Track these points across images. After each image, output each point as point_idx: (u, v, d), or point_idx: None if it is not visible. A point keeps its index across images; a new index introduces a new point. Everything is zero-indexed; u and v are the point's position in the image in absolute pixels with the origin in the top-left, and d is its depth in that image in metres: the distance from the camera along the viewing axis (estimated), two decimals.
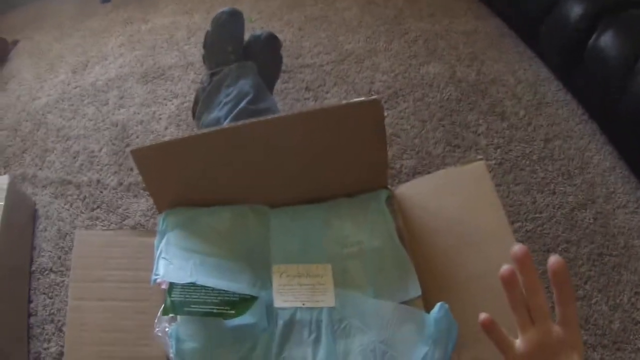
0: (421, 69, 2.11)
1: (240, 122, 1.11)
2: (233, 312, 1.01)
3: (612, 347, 1.45)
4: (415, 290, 1.07)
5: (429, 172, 1.74)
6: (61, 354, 1.51)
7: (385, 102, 1.98)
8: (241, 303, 1.03)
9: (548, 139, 1.86)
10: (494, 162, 1.79)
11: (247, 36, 1.85)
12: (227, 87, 1.58)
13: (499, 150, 1.82)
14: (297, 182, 1.18)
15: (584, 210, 1.68)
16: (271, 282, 1.09)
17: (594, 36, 1.75)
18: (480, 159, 1.13)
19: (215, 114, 1.54)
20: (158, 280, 1.06)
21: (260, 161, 1.13)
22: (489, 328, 0.68)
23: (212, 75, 1.66)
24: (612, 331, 1.47)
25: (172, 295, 1.04)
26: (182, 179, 1.16)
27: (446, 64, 2.12)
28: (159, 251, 1.11)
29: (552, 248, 1.60)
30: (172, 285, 1.05)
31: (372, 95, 1.98)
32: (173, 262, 1.07)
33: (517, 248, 0.66)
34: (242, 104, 1.49)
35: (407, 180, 1.67)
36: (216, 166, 1.14)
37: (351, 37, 2.27)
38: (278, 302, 1.06)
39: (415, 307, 1.06)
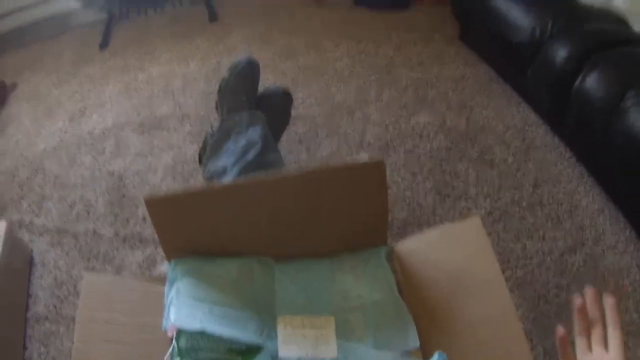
0: (412, 119, 2.15)
1: (249, 179, 1.17)
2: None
3: None
4: (414, 341, 1.11)
5: (419, 224, 1.79)
6: None
7: (377, 153, 2.01)
8: (248, 352, 1.08)
9: (537, 184, 1.89)
10: (483, 211, 1.81)
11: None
12: (236, 134, 1.60)
13: (488, 199, 1.85)
14: (301, 237, 1.23)
15: (573, 254, 1.69)
16: (276, 332, 1.13)
17: (579, 77, 1.77)
18: (476, 215, 1.20)
19: (223, 161, 1.57)
20: (169, 326, 1.10)
21: (267, 216, 1.18)
22: (563, 342, 0.80)
23: (223, 121, 1.69)
24: None
25: (180, 342, 1.07)
26: (192, 229, 1.20)
27: (436, 113, 2.17)
28: (169, 299, 1.15)
29: (543, 294, 1.61)
30: (180, 331, 1.08)
31: (363, 149, 2.03)
32: (182, 309, 1.11)
33: (590, 289, 0.83)
34: (250, 156, 1.52)
35: (398, 233, 1.72)
36: (225, 219, 1.18)
37: (343, 87, 2.33)
38: (283, 352, 1.10)
39: (414, 358, 1.10)
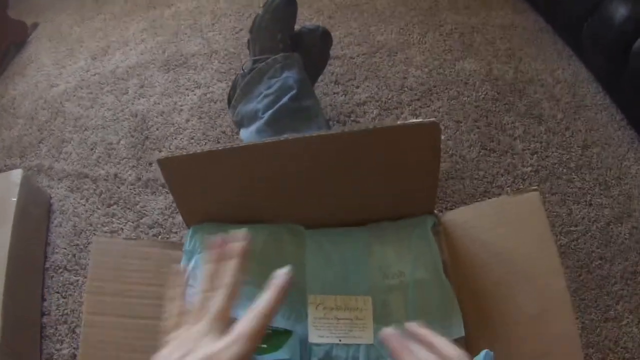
0: (456, 64, 2.02)
1: (281, 138, 1.01)
2: (265, 346, 0.92)
3: None
4: (458, 331, 0.97)
5: (462, 178, 1.68)
6: (73, 356, 1.46)
7: (419, 99, 1.90)
8: (275, 337, 0.94)
9: (586, 145, 1.78)
10: (530, 169, 1.71)
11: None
12: (269, 78, 1.48)
13: (535, 156, 1.74)
14: (337, 202, 1.08)
15: (619, 225, 1.60)
16: (306, 313, 0.99)
17: (639, 40, 1.65)
18: (535, 189, 1.04)
19: (254, 105, 1.46)
20: None
21: (299, 178, 1.04)
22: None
23: (255, 62, 1.56)
24: None
25: None
26: (212, 193, 1.07)
27: (482, 61, 2.03)
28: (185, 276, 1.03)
29: (586, 264, 1.52)
30: None
31: (404, 93, 1.90)
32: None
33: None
34: (284, 100, 1.40)
35: (439, 185, 1.60)
36: (250, 181, 1.04)
37: (383, 27, 2.18)
38: (313, 338, 0.97)
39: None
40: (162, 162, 1.01)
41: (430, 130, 0.98)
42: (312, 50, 1.67)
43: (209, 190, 1.07)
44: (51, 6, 2.55)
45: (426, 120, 0.95)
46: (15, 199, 1.52)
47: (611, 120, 1.85)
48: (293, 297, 1.01)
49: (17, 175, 1.58)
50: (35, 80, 2.16)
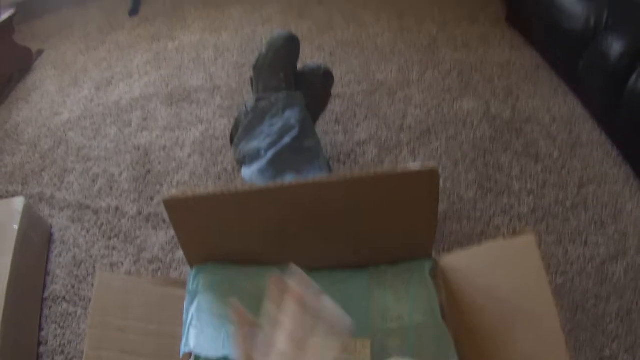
0: (455, 103, 2.05)
1: (284, 184, 1.04)
2: None
3: None
4: None
5: (459, 219, 1.69)
6: None
7: (417, 139, 1.92)
8: None
9: (582, 183, 1.78)
10: (526, 208, 1.72)
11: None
12: (272, 117, 1.51)
13: (532, 195, 1.75)
14: (337, 246, 1.11)
15: (615, 263, 1.60)
16: None
17: (634, 75, 1.67)
18: (530, 233, 1.07)
19: (256, 144, 1.48)
20: (188, 352, 1.00)
21: (301, 222, 1.06)
22: None
23: (257, 100, 1.59)
24: None
25: None
26: (215, 234, 1.09)
27: (480, 99, 2.06)
28: (189, 317, 1.04)
29: (582, 304, 1.52)
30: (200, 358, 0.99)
31: (403, 133, 1.92)
32: (204, 332, 1.01)
33: None
34: (286, 139, 1.43)
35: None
36: (253, 224, 1.06)
37: (384, 65, 2.22)
38: None
39: None
40: (167, 203, 1.03)
41: (430, 177, 1.01)
42: (314, 90, 1.70)
43: (213, 231, 1.09)
44: (56, 33, 2.59)
45: (425, 167, 0.98)
46: (16, 227, 1.52)
47: (607, 157, 1.86)
48: None
49: (19, 202, 1.59)
50: (39, 107, 2.18)
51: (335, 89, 1.92)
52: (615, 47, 1.73)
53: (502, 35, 2.35)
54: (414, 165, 0.99)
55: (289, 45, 1.67)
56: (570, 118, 1.98)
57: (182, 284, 1.14)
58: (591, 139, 1.91)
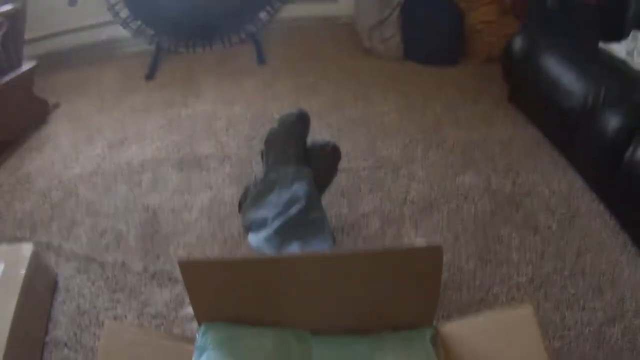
0: (457, 179, 2.12)
1: (294, 255, 1.11)
2: None
3: None
4: None
5: (459, 289, 1.72)
6: None
7: (420, 212, 1.98)
8: None
9: (580, 252, 1.83)
10: (525, 278, 1.75)
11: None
12: (280, 189, 1.59)
13: (530, 266, 1.79)
14: (343, 313, 1.17)
15: (612, 326, 1.61)
16: None
17: (630, 149, 1.74)
18: (528, 305, 1.13)
19: (264, 213, 1.55)
20: None
21: (307, 289, 1.13)
22: None
23: (267, 172, 1.67)
24: None
25: None
26: (226, 295, 1.14)
27: (482, 175, 2.14)
28: None
29: None
30: None
31: (406, 207, 1.99)
32: None
33: None
34: (293, 211, 1.51)
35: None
36: (262, 288, 1.12)
37: (389, 142, 2.31)
38: None
39: None
40: (182, 264, 1.10)
41: (434, 254, 1.08)
42: (321, 165, 1.77)
43: (223, 293, 1.14)
44: (74, 90, 2.69)
45: (430, 245, 1.05)
46: (23, 272, 1.56)
47: (605, 226, 1.91)
48: None
49: (27, 249, 1.63)
50: (51, 159, 2.25)
51: (342, 164, 1.99)
52: (612, 122, 1.82)
53: (504, 114, 2.47)
54: (420, 242, 1.07)
55: (300, 122, 1.77)
56: (569, 191, 2.05)
57: (189, 340, 1.17)
58: (589, 210, 1.97)
